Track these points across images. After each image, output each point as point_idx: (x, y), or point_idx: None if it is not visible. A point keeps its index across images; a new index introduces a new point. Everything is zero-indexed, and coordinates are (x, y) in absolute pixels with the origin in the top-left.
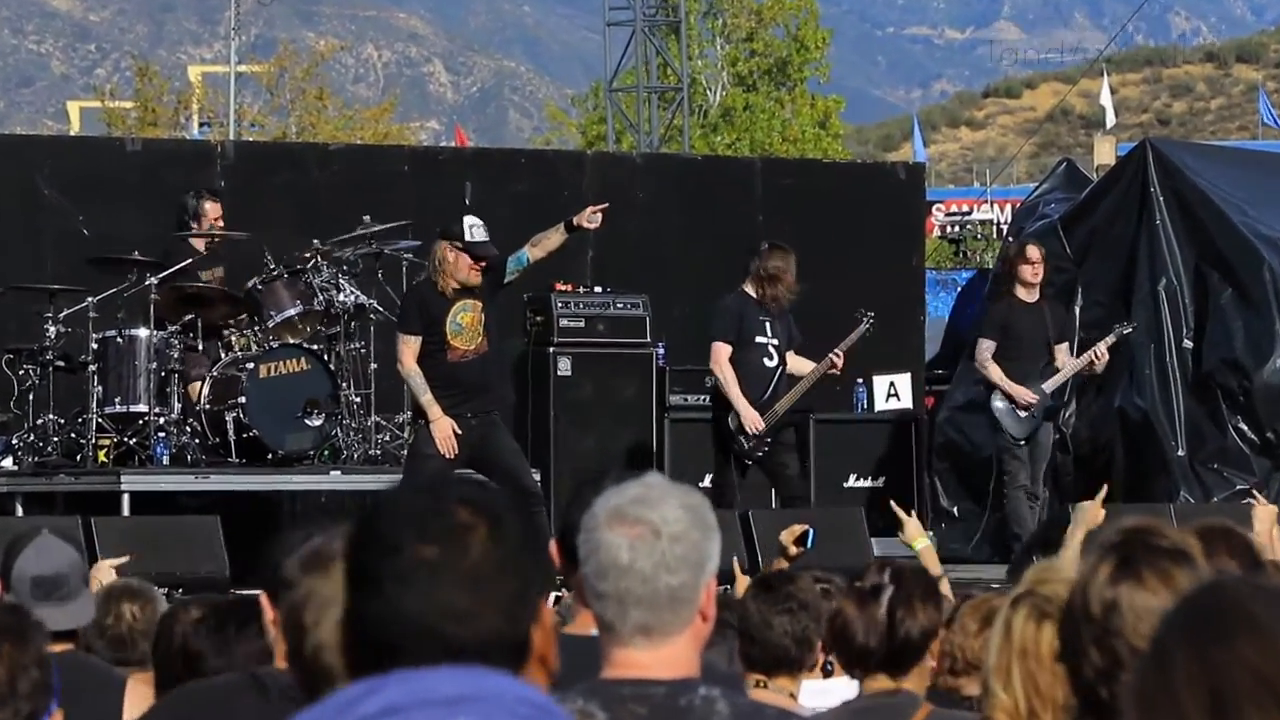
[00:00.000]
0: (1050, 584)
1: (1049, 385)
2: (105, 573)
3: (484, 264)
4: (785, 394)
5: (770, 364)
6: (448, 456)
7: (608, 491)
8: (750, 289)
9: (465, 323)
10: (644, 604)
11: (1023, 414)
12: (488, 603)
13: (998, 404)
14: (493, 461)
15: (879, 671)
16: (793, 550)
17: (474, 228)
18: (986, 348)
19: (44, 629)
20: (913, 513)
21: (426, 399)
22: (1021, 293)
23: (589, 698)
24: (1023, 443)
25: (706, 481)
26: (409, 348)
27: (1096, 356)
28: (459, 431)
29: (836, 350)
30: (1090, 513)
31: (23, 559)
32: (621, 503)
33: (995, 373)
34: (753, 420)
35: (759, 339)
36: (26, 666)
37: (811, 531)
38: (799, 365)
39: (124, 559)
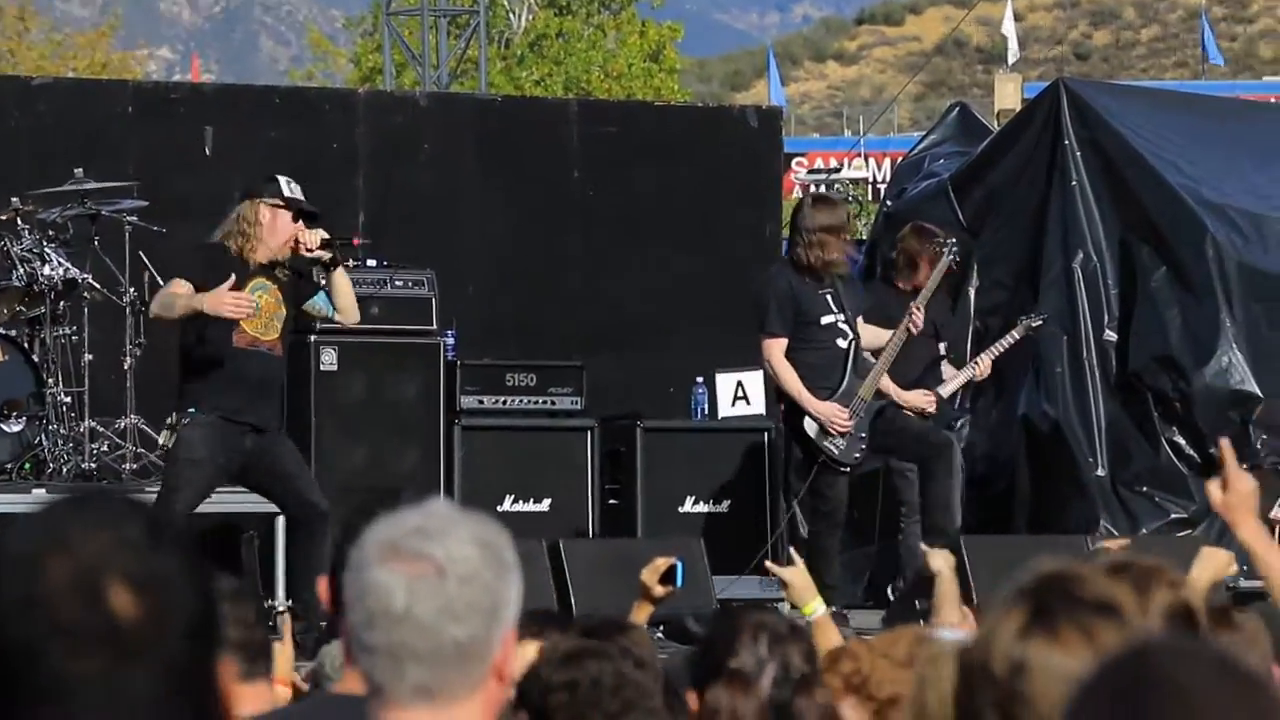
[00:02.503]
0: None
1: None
2: None
3: (303, 224)
4: (868, 374)
5: (843, 344)
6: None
7: (381, 521)
8: (799, 258)
9: (264, 305)
10: (424, 660)
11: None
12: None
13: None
14: (273, 473)
15: None
16: (658, 590)
17: (290, 183)
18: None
19: None
20: (798, 561)
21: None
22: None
23: None
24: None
25: (509, 504)
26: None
27: (977, 369)
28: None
29: (915, 305)
30: (945, 561)
31: None
32: (398, 534)
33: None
34: (836, 418)
35: (825, 318)
36: None
37: (680, 565)
38: (872, 336)
39: None
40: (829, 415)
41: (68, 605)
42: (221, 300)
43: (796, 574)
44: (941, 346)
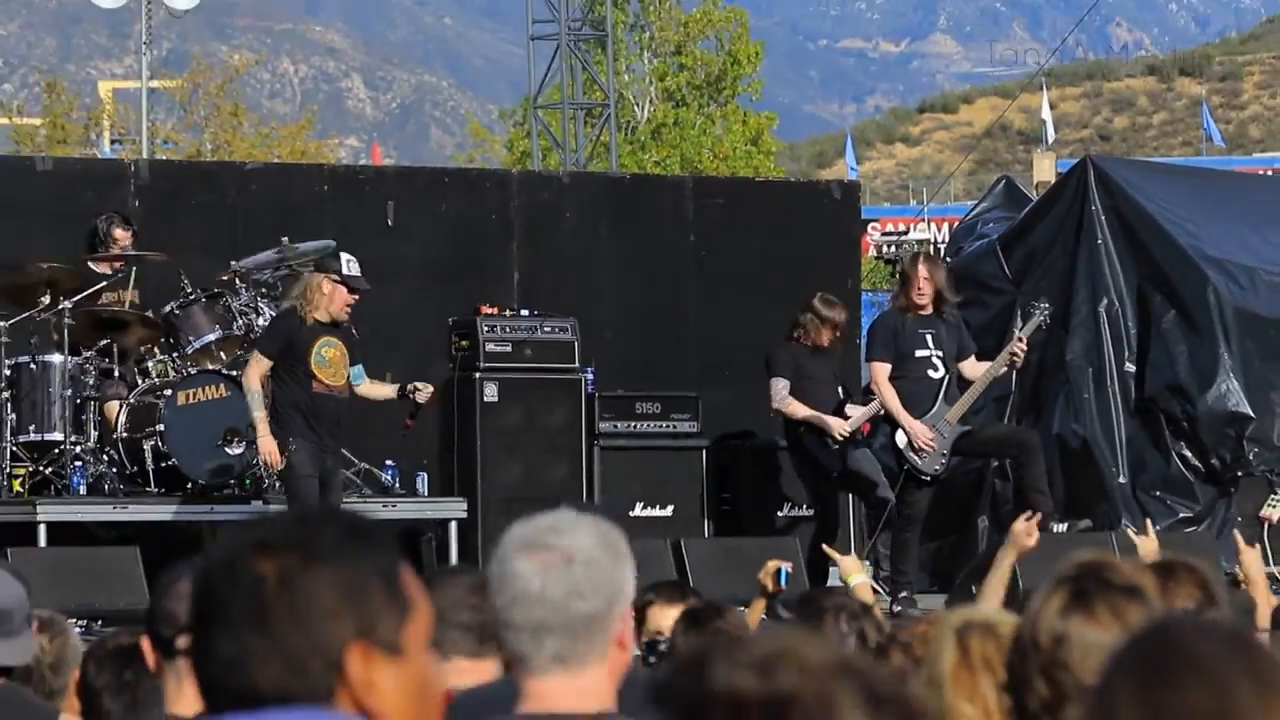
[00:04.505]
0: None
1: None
2: None
3: (356, 299)
4: (956, 402)
5: (935, 375)
6: (276, 469)
7: (518, 523)
8: (901, 302)
9: (330, 357)
10: (558, 632)
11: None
12: (267, 652)
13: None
14: (326, 486)
15: None
16: (771, 588)
17: (350, 262)
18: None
19: None
20: (849, 552)
21: (260, 414)
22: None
23: None
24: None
25: (639, 510)
26: (259, 367)
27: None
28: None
29: (1019, 338)
30: (1020, 534)
31: None
32: (532, 532)
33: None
34: (921, 435)
35: (919, 352)
36: None
37: (785, 569)
38: (974, 370)
39: None
40: (918, 432)
41: (225, 549)
42: (268, 449)
43: (846, 557)
44: (841, 390)
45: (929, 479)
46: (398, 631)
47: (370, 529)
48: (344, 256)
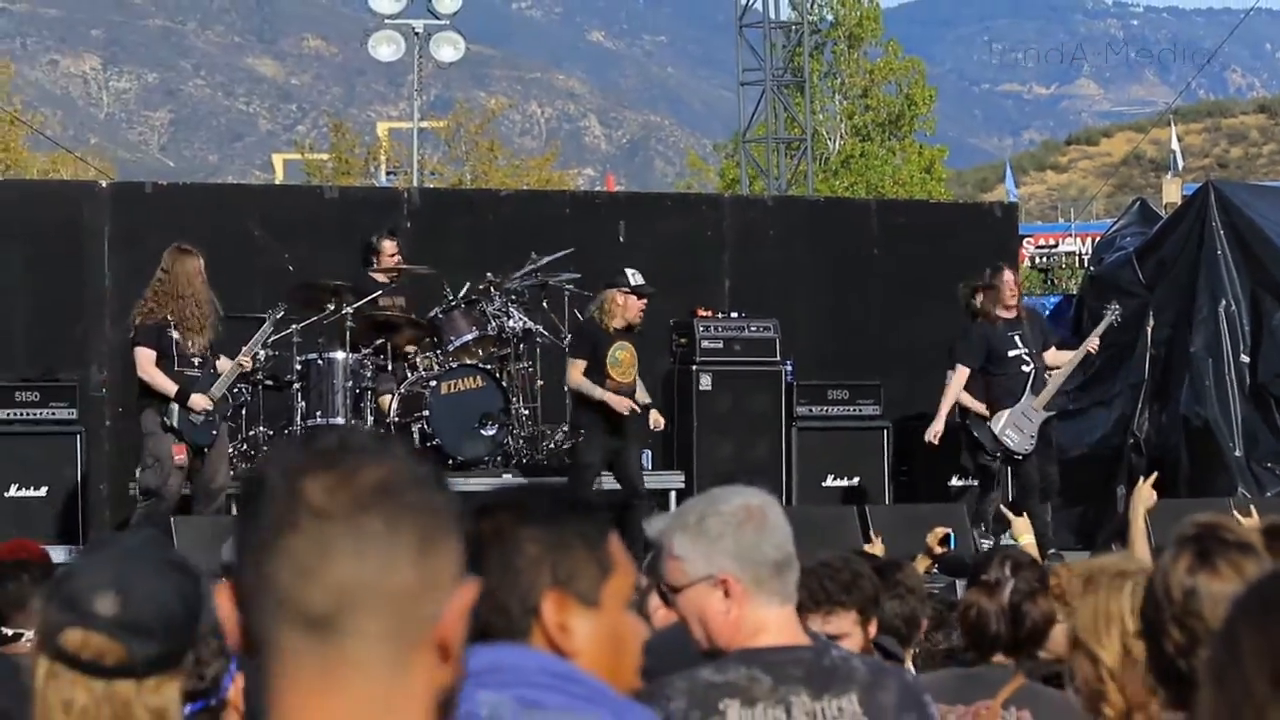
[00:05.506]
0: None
1: (1051, 387)
2: None
3: (645, 303)
4: (1041, 392)
5: (1026, 370)
6: (626, 410)
7: (709, 498)
8: (988, 311)
9: (622, 358)
10: (794, 564)
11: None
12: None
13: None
14: (619, 472)
15: (1002, 653)
16: (937, 550)
17: (634, 274)
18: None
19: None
20: (1023, 514)
21: (599, 393)
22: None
23: (750, 664)
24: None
25: (830, 481)
26: (576, 369)
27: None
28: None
29: (1096, 334)
30: (1144, 493)
31: None
32: (741, 501)
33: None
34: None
35: (1012, 352)
36: (204, 635)
37: (951, 534)
38: (1056, 359)
39: None
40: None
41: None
42: (622, 403)
43: (1019, 519)
44: (1052, 351)
45: (1021, 457)
46: (596, 586)
47: (579, 500)
48: (629, 271)
